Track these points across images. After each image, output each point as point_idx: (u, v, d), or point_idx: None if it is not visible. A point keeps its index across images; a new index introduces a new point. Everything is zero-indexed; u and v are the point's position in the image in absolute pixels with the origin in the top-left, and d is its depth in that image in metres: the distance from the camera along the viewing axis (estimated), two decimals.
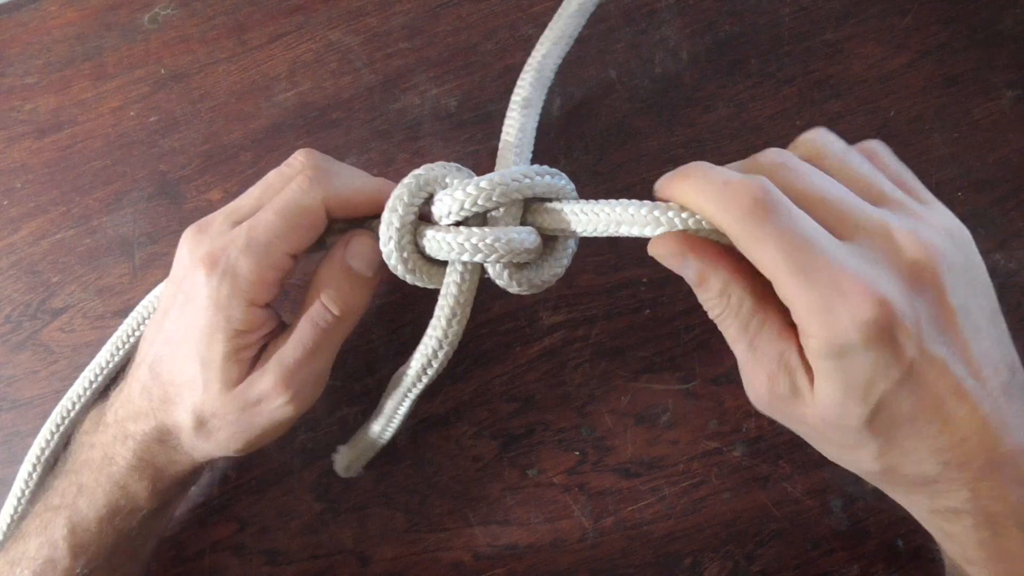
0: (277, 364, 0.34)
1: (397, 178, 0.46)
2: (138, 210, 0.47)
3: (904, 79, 0.45)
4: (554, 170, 0.35)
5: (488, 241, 0.33)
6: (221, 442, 0.35)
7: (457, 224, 0.34)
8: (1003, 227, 0.43)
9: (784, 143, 0.44)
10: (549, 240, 0.36)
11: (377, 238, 0.35)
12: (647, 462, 0.42)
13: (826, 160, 0.31)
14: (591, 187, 0.45)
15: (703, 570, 0.41)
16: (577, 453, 0.43)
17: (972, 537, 0.29)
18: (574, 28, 0.40)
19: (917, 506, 0.31)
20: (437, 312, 0.35)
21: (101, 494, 0.36)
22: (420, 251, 0.35)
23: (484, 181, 0.34)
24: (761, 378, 0.30)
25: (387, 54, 0.47)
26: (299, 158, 0.36)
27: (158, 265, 0.46)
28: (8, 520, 0.42)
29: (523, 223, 0.35)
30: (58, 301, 0.46)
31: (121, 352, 0.42)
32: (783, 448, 0.42)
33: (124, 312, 0.45)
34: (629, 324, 0.43)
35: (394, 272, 0.35)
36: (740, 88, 0.45)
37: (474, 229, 0.34)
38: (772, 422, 0.40)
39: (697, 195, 0.29)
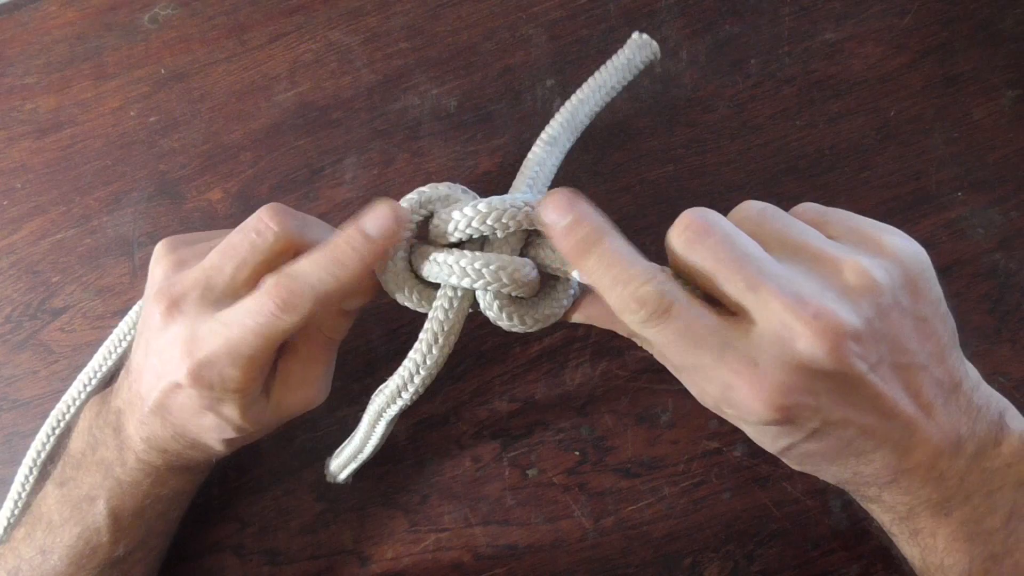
0: (300, 387, 0.37)
1: (397, 178, 0.46)
2: (138, 210, 0.47)
3: (904, 79, 0.45)
4: None
5: (477, 265, 0.32)
6: (251, 440, 0.39)
7: (454, 246, 0.34)
8: (1003, 227, 0.43)
9: (784, 143, 0.45)
10: (550, 279, 0.34)
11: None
12: (647, 462, 0.42)
13: (764, 227, 0.31)
14: (591, 187, 0.45)
15: (703, 570, 0.41)
16: (577, 453, 0.43)
17: (883, 517, 0.33)
18: (617, 81, 0.39)
19: (833, 482, 0.34)
20: (420, 335, 0.34)
21: (144, 488, 0.37)
22: (414, 271, 0.34)
23: (482, 204, 0.33)
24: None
25: (387, 54, 0.47)
26: (271, 226, 0.34)
27: None
28: (7, 520, 0.42)
29: (524, 256, 0.34)
30: (58, 301, 0.46)
31: (114, 355, 0.42)
32: None
33: (124, 312, 0.45)
34: None
35: (385, 289, 0.34)
36: (740, 88, 0.45)
37: (466, 252, 0.33)
38: None
39: (601, 290, 0.30)
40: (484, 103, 0.46)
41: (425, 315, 0.35)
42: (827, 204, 0.33)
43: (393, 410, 0.37)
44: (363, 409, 0.43)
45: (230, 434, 0.36)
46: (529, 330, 0.34)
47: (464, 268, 0.32)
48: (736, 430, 0.42)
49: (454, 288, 0.33)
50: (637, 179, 0.45)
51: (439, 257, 0.33)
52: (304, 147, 0.47)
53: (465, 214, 0.33)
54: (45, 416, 0.44)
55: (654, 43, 0.40)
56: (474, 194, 0.35)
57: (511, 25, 0.47)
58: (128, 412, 0.37)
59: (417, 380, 0.35)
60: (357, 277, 0.32)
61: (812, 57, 0.45)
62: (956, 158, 0.44)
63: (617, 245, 0.30)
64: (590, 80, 0.40)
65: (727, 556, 0.41)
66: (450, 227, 0.33)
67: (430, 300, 0.34)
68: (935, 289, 0.30)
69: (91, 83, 0.48)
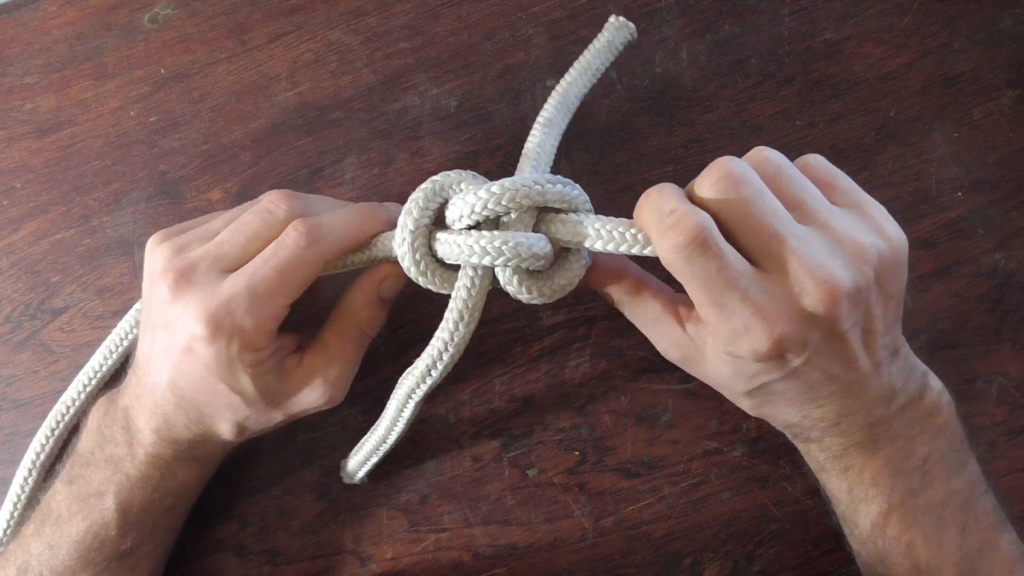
0: (324, 382, 0.38)
1: (396, 178, 0.46)
2: (138, 210, 0.47)
3: (904, 79, 0.45)
4: (568, 180, 0.36)
5: (497, 243, 0.34)
6: (260, 432, 0.39)
7: (470, 229, 0.35)
8: (1003, 227, 0.43)
9: (784, 143, 0.45)
10: (563, 251, 0.37)
11: (396, 262, 0.37)
12: (647, 462, 0.42)
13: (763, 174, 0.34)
14: (591, 187, 0.44)
15: (703, 570, 0.41)
16: (577, 453, 0.43)
17: (819, 456, 0.37)
18: (601, 62, 0.41)
19: (780, 426, 0.38)
20: (446, 314, 0.36)
21: (153, 481, 0.38)
22: (434, 255, 0.36)
23: (495, 186, 0.34)
24: (668, 343, 0.37)
25: (387, 54, 0.47)
26: (280, 206, 0.37)
27: None
28: (7, 519, 0.42)
29: (537, 232, 0.36)
30: (58, 301, 0.46)
31: (115, 355, 0.42)
32: (783, 448, 0.42)
33: (124, 312, 0.45)
34: (629, 324, 0.43)
35: (408, 275, 0.36)
36: (740, 88, 0.45)
37: (484, 232, 0.35)
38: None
39: (645, 222, 0.33)
40: (484, 103, 0.46)
41: (437, 295, 0.36)
42: None
43: (421, 391, 0.38)
44: (364, 410, 0.44)
45: (243, 412, 0.36)
46: (547, 301, 0.37)
47: (484, 247, 0.34)
48: (736, 430, 0.42)
49: (474, 267, 0.35)
50: (637, 179, 0.45)
51: (458, 239, 0.35)
52: (304, 147, 0.47)
53: (479, 196, 0.34)
54: (45, 416, 0.44)
55: (631, 24, 0.42)
56: (484, 179, 0.36)
57: (511, 25, 0.47)
58: (137, 406, 0.37)
59: (446, 358, 0.37)
60: (370, 229, 0.37)
61: (812, 57, 0.45)
62: (956, 158, 0.44)
63: (669, 187, 0.33)
64: (575, 64, 0.41)
65: (727, 556, 0.41)
66: (465, 210, 0.35)
67: (451, 282, 0.36)
68: (905, 275, 0.35)
69: (91, 83, 0.48)
